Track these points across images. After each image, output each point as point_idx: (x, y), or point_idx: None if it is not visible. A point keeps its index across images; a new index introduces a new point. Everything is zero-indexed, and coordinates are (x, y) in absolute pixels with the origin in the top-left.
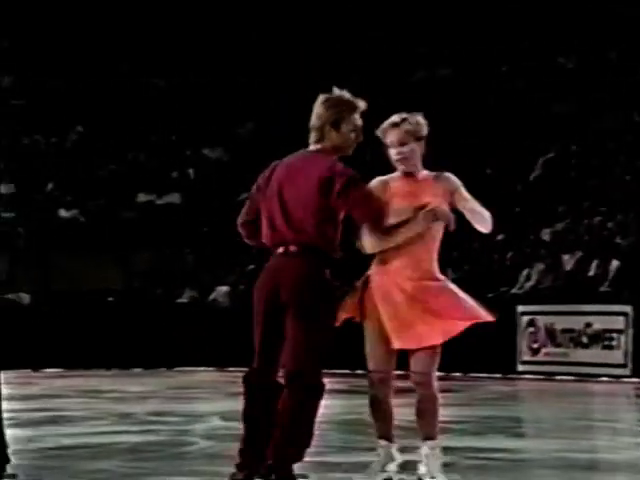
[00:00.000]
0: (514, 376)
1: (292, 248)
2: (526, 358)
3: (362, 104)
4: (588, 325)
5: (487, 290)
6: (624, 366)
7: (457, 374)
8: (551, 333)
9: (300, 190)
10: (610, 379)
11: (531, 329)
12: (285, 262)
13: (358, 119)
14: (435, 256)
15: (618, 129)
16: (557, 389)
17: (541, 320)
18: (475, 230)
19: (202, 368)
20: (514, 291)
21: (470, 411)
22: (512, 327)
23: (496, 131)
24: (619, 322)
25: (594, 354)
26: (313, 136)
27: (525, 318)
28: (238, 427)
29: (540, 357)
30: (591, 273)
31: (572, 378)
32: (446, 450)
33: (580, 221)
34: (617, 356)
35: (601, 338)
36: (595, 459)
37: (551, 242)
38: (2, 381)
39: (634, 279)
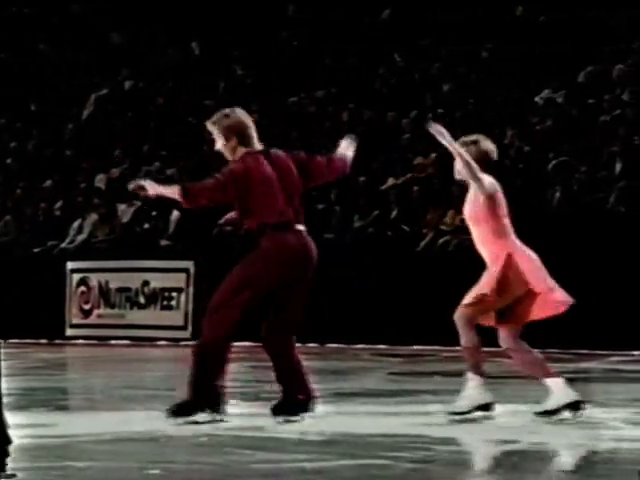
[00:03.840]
0: (63, 342)
1: None
2: (76, 321)
3: None
4: (145, 283)
5: (33, 245)
6: (184, 328)
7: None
8: (105, 293)
9: None
10: (169, 342)
11: (82, 288)
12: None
13: None
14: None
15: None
16: (111, 355)
17: (94, 278)
18: None
19: None
20: (64, 246)
21: (11, 383)
22: (61, 286)
23: None
24: (179, 279)
25: (152, 315)
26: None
27: (76, 276)
28: None
29: (92, 319)
30: (148, 225)
31: (128, 342)
32: None
33: (139, 167)
34: (177, 317)
35: (160, 297)
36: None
37: (106, 190)
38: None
39: (195, 231)
